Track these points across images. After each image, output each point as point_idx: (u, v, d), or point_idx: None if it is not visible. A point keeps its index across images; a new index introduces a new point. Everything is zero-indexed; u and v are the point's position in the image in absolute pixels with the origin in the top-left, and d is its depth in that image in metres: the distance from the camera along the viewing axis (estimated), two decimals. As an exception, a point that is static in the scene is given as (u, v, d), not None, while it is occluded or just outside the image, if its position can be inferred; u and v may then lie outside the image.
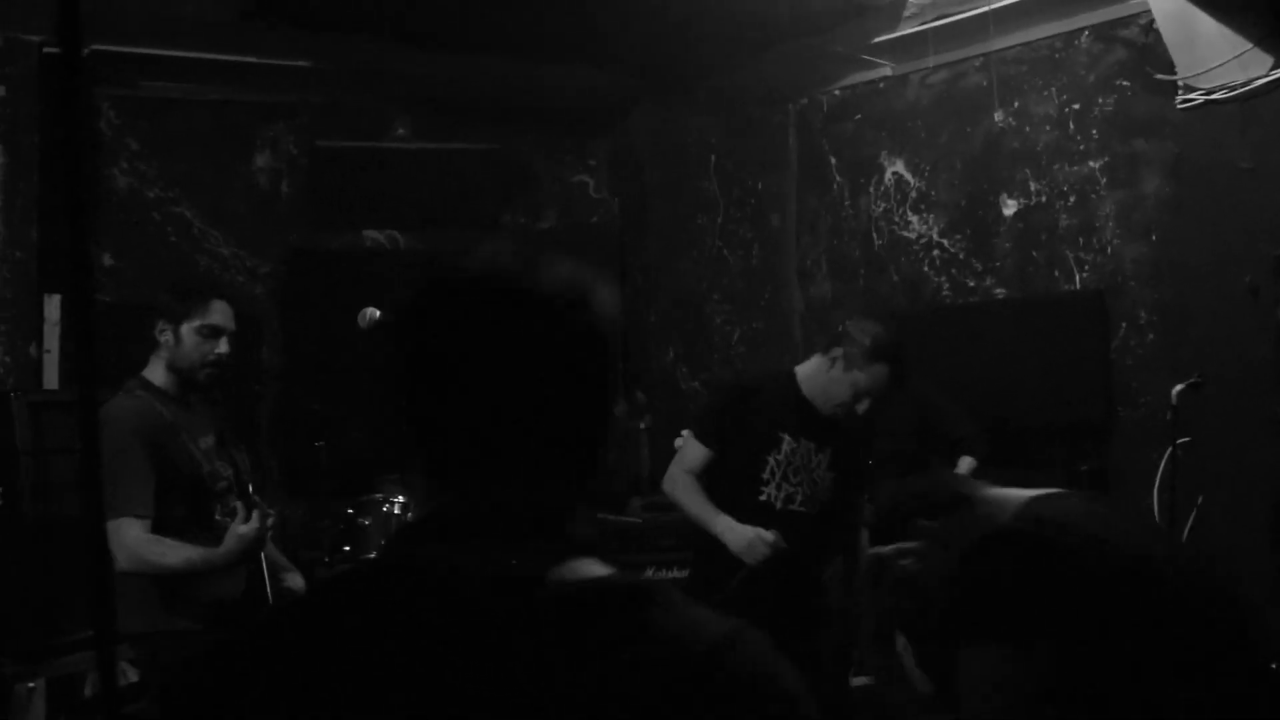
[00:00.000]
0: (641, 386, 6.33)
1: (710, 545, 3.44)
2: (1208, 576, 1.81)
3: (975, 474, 4.87)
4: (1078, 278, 5.47)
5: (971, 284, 5.87)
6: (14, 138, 5.36)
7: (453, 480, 1.05)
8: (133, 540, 2.97)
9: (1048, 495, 1.92)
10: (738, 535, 3.37)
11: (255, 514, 3.13)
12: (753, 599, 3.26)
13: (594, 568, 1.01)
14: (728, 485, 3.45)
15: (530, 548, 1.00)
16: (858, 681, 4.95)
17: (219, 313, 3.21)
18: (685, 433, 3.75)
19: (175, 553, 3.02)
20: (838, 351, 3.46)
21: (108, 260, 5.90)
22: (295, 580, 3.37)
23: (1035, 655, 1.61)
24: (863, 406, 3.49)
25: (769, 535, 3.34)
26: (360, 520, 4.90)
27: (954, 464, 4.93)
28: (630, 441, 6.07)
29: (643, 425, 6.03)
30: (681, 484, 3.51)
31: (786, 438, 3.47)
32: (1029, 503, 1.87)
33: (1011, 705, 1.61)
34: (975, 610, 1.67)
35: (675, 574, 5.12)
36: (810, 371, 3.55)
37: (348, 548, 4.90)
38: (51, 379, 5.22)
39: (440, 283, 1.11)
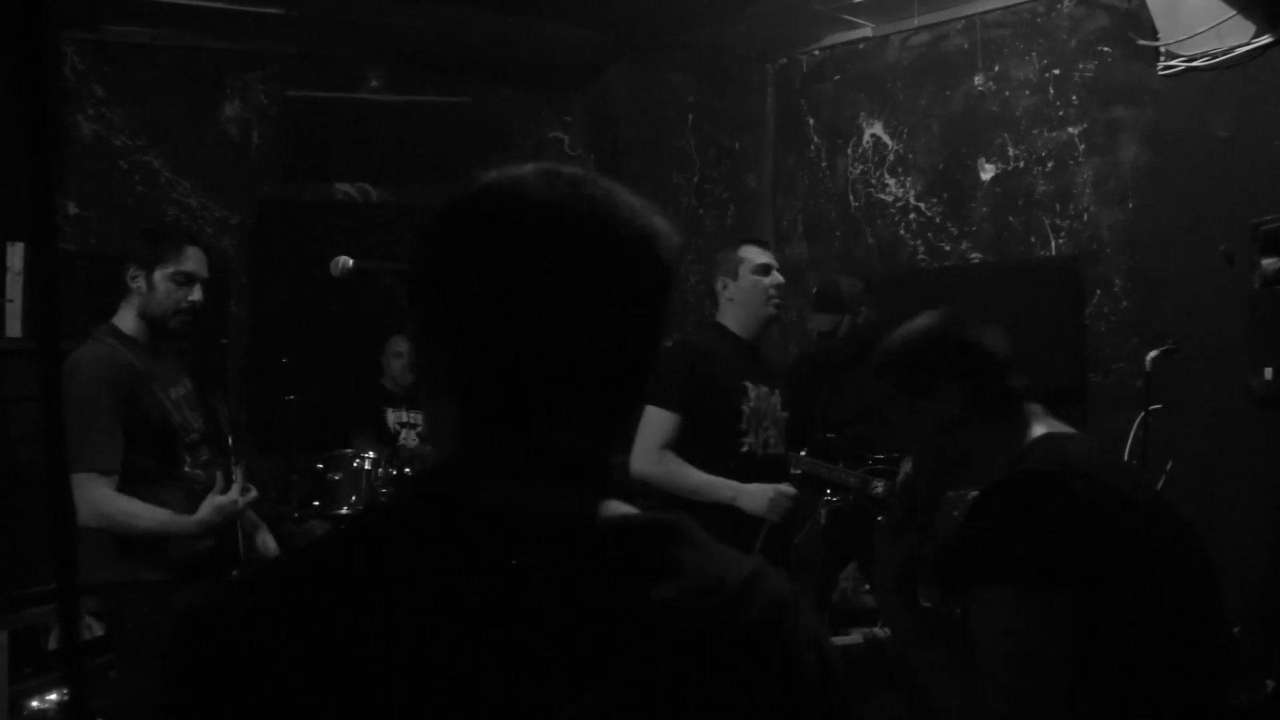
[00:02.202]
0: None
1: (706, 515, 3.38)
2: (1191, 534, 1.81)
3: None
4: (1054, 243, 5.47)
5: (947, 248, 5.86)
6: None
7: (490, 419, 0.98)
8: (99, 498, 2.91)
9: (1067, 436, 1.88)
10: (755, 496, 3.36)
11: (235, 487, 3.10)
12: (774, 556, 3.28)
13: (620, 508, 0.99)
14: (705, 445, 3.41)
15: (573, 492, 0.98)
16: (878, 633, 5.01)
17: (193, 259, 3.16)
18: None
19: (147, 516, 2.97)
20: (719, 282, 3.63)
21: (72, 209, 5.78)
22: (267, 539, 3.33)
23: (1048, 600, 1.60)
24: (774, 280, 3.61)
25: (787, 489, 3.36)
26: (330, 475, 4.85)
27: None
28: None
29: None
30: (661, 460, 3.38)
31: (749, 384, 3.52)
32: (1047, 439, 1.83)
33: (1021, 649, 1.60)
34: (991, 551, 1.66)
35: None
36: (726, 313, 3.64)
37: (316, 503, 4.86)
38: (14, 328, 5.12)
39: (484, 198, 1.01)
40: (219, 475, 3.10)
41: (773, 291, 3.60)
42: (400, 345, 5.79)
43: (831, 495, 4.87)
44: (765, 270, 3.59)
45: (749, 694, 0.90)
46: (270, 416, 5.53)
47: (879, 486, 4.80)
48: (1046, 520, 1.64)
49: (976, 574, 1.68)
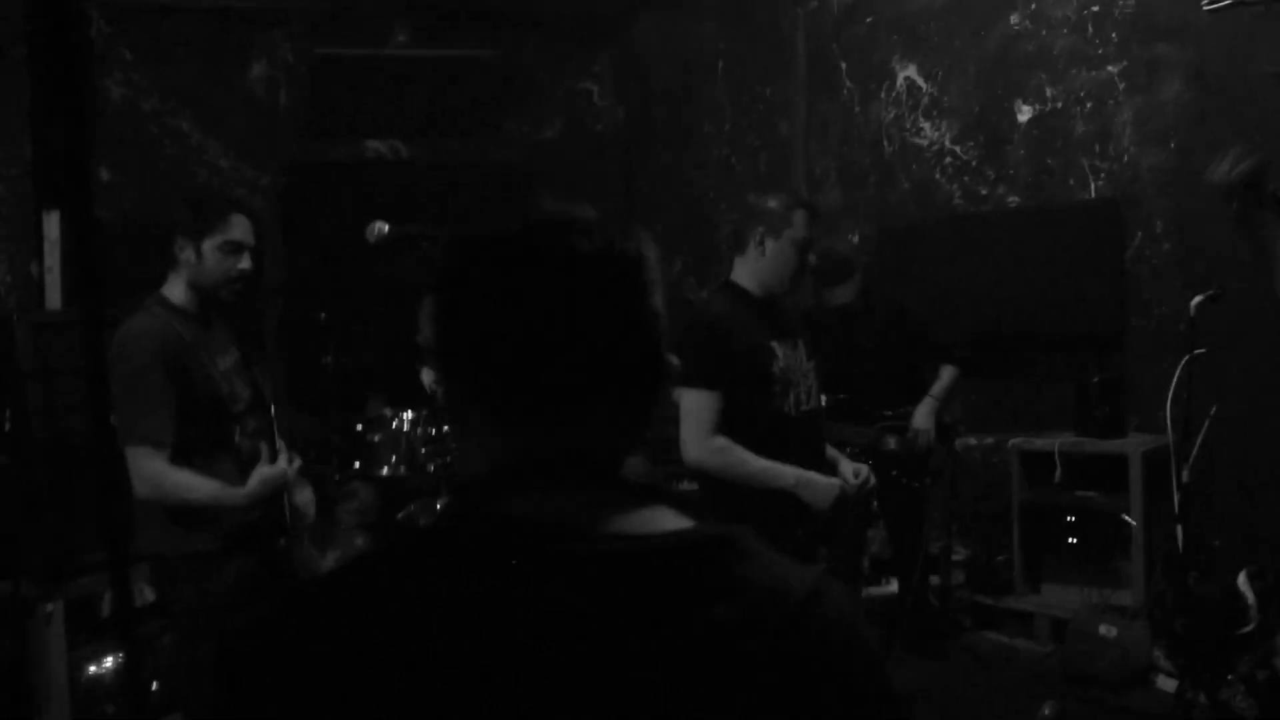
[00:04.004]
0: (649, 298, 6.27)
1: (761, 500, 3.26)
2: None
3: (956, 383, 4.89)
4: (1093, 186, 5.38)
5: (984, 192, 5.77)
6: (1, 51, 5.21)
7: (516, 429, 1.03)
8: (153, 472, 2.94)
9: None
10: (822, 491, 3.27)
11: (281, 458, 3.11)
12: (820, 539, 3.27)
13: (670, 518, 1.01)
14: (740, 413, 3.31)
15: (607, 498, 1.01)
16: (933, 580, 5.06)
17: (239, 228, 3.14)
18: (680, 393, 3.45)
19: (199, 488, 2.99)
20: (755, 234, 3.40)
21: (105, 175, 5.79)
22: (305, 494, 3.34)
23: None
24: (809, 261, 3.49)
25: (851, 482, 3.30)
26: (369, 436, 4.87)
27: (936, 372, 4.92)
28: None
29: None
30: (717, 447, 3.26)
31: (775, 344, 3.38)
32: None
33: None
34: None
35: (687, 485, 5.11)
36: (747, 271, 3.44)
37: (358, 464, 4.89)
38: (54, 298, 5.15)
39: (483, 246, 1.07)
40: (263, 447, 3.12)
41: (802, 269, 3.48)
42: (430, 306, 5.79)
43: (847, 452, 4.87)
44: (806, 247, 3.47)
45: (811, 714, 0.91)
46: (308, 377, 5.56)
47: (892, 442, 4.77)
48: None
49: None
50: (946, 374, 4.91)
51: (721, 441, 3.26)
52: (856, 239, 6.17)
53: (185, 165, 5.98)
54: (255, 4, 6.07)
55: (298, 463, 3.21)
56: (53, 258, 5.24)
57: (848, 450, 4.45)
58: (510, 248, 1.05)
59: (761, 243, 3.41)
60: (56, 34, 5.87)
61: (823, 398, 4.05)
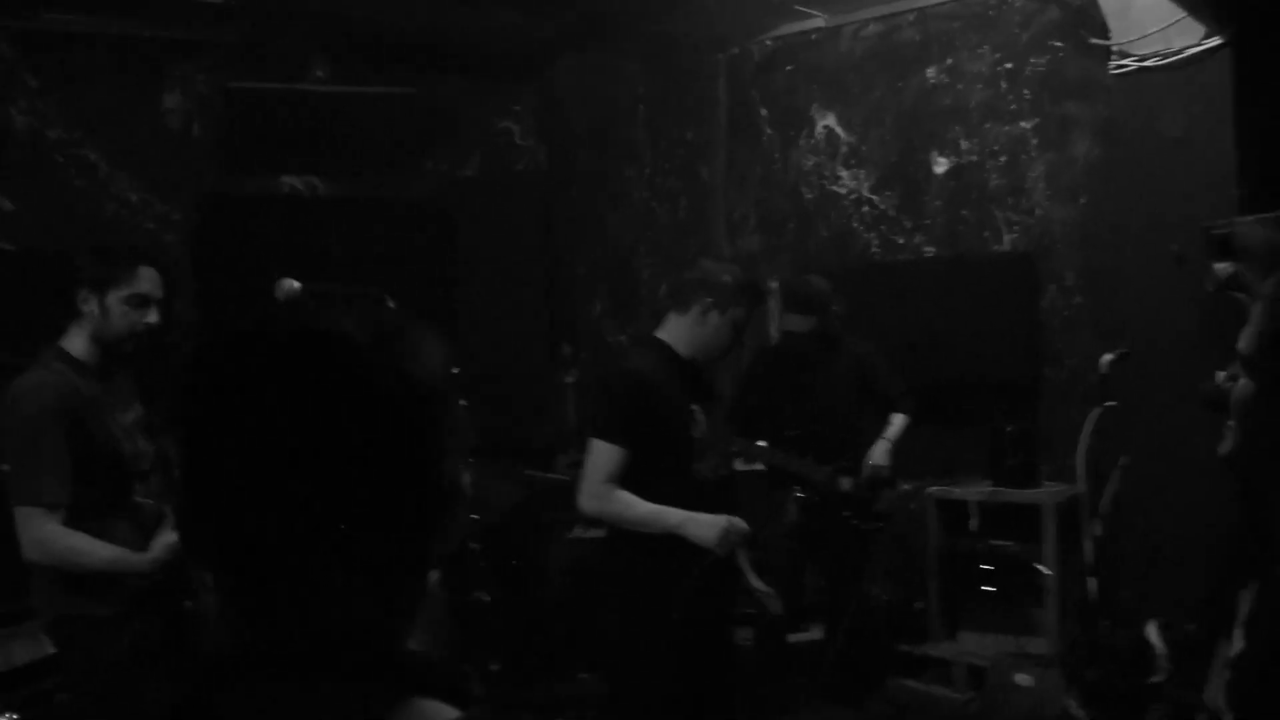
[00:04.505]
0: (568, 339, 6.24)
1: (654, 544, 3.27)
2: None
3: (905, 431, 4.94)
4: (1006, 238, 5.51)
5: (901, 241, 5.87)
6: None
7: (258, 603, 0.85)
8: (46, 535, 2.82)
9: None
10: (704, 526, 3.23)
11: None
12: (710, 587, 3.24)
13: (440, 711, 0.85)
14: (654, 475, 3.27)
15: (363, 688, 0.83)
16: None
17: (147, 280, 3.03)
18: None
19: (95, 554, 2.87)
20: (703, 302, 3.37)
21: (7, 205, 5.59)
22: None
23: None
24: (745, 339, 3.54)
25: (739, 522, 3.28)
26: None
27: (886, 420, 4.97)
28: (556, 396, 5.98)
29: (569, 379, 5.94)
30: (607, 495, 3.26)
31: (696, 409, 3.37)
32: None
33: None
34: None
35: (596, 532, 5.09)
36: (682, 333, 3.41)
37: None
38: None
39: (221, 348, 0.90)
40: (168, 509, 3.00)
41: (733, 348, 3.49)
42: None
43: (799, 491, 4.89)
44: (744, 329, 3.45)
45: None
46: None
47: (846, 483, 4.81)
48: None
49: None
50: (899, 420, 4.96)
51: (608, 489, 3.26)
52: (775, 285, 6.22)
53: (93, 197, 5.79)
54: (169, 34, 5.92)
55: None
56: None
57: (797, 491, 4.46)
58: (250, 371, 0.87)
59: (706, 312, 3.38)
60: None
61: (761, 442, 4.06)
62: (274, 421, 0.84)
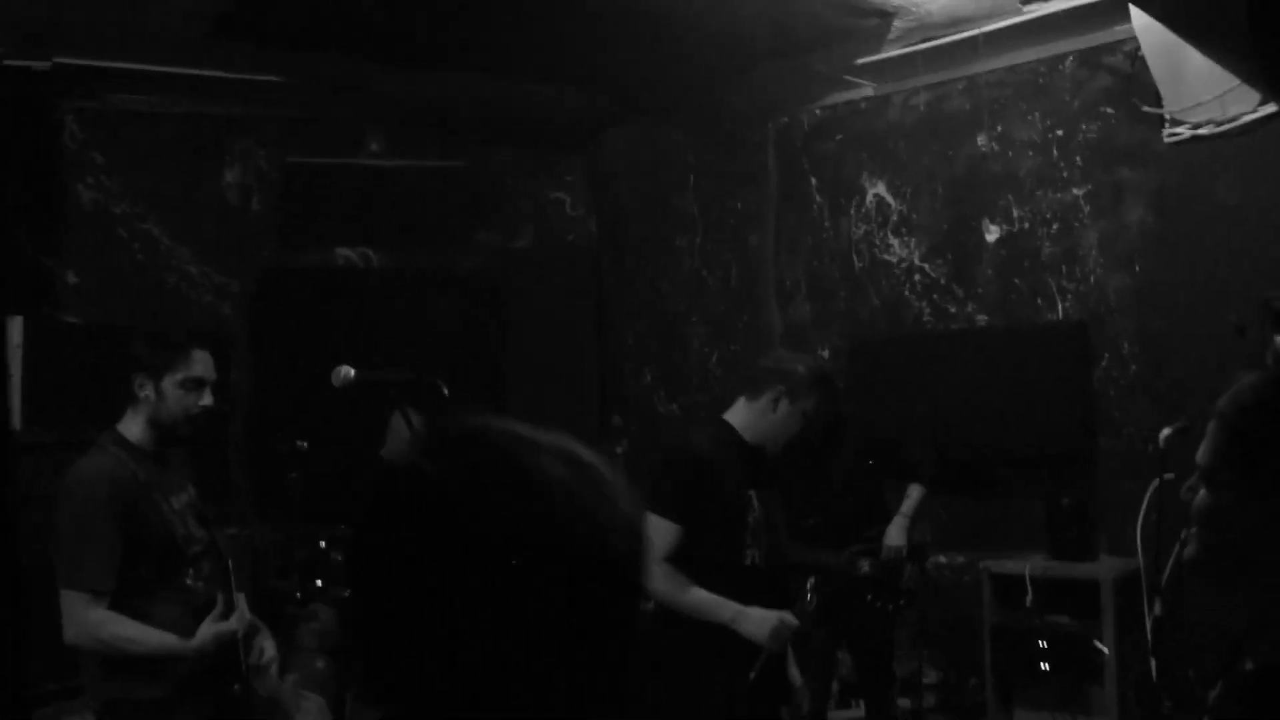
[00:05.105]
0: (618, 410, 6.25)
1: (706, 631, 3.25)
2: None
3: (924, 503, 4.86)
4: (1060, 306, 5.44)
5: (953, 310, 5.82)
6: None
7: None
8: (92, 621, 2.86)
9: None
10: (757, 623, 3.21)
11: (234, 615, 3.02)
12: (770, 683, 3.20)
13: None
14: (707, 556, 3.26)
15: None
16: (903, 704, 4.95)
17: (201, 363, 3.09)
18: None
19: (142, 640, 2.90)
20: (775, 390, 3.39)
21: (72, 278, 5.74)
22: (268, 645, 3.21)
23: None
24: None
25: (789, 618, 3.25)
26: (333, 554, 4.79)
27: (903, 490, 4.89)
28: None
29: (619, 450, 5.95)
30: (662, 577, 3.23)
31: (754, 495, 3.37)
32: None
33: None
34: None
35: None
36: (750, 419, 3.43)
37: (320, 582, 4.79)
38: (13, 408, 5.05)
39: (404, 498, 0.89)
40: (220, 597, 3.02)
41: (801, 431, 3.49)
42: (398, 422, 5.72)
43: (817, 581, 4.77)
44: (811, 420, 3.46)
45: None
46: (273, 485, 5.45)
47: (865, 565, 4.72)
48: None
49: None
50: (915, 492, 4.88)
51: (663, 567, 3.23)
52: (826, 353, 6.19)
53: (154, 270, 5.94)
54: (229, 111, 6.09)
55: (249, 618, 3.11)
56: (14, 364, 5.16)
57: (812, 581, 4.39)
58: (432, 523, 0.86)
59: (777, 401, 3.40)
60: (26, 137, 5.89)
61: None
62: (469, 583, 0.83)
